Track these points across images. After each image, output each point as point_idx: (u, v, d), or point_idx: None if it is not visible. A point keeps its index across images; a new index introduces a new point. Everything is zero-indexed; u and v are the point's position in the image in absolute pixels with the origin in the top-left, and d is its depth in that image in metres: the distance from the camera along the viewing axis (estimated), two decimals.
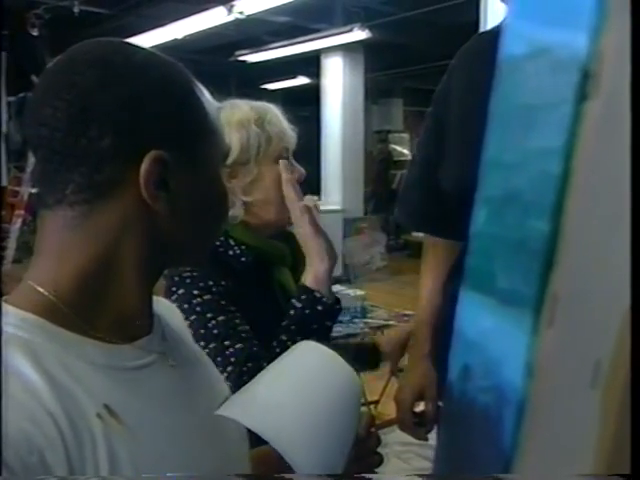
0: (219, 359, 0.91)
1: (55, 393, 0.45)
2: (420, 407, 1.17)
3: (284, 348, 0.88)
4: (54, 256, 0.50)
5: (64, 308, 0.49)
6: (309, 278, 0.92)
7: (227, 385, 0.67)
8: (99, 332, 0.50)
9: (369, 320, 3.04)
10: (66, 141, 0.48)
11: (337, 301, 0.94)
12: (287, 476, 0.60)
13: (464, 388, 0.62)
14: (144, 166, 0.49)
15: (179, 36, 5.33)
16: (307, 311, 0.90)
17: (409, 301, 1.26)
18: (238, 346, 0.91)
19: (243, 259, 1.02)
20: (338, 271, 6.19)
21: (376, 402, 3.77)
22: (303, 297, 0.91)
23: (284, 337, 0.90)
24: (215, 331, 0.93)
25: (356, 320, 3.02)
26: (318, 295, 0.91)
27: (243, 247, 1.02)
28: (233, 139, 1.00)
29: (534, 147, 0.53)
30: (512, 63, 0.56)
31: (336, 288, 3.09)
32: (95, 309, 0.51)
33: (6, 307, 0.48)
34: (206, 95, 0.56)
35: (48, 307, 0.49)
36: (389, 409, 1.17)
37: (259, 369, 0.88)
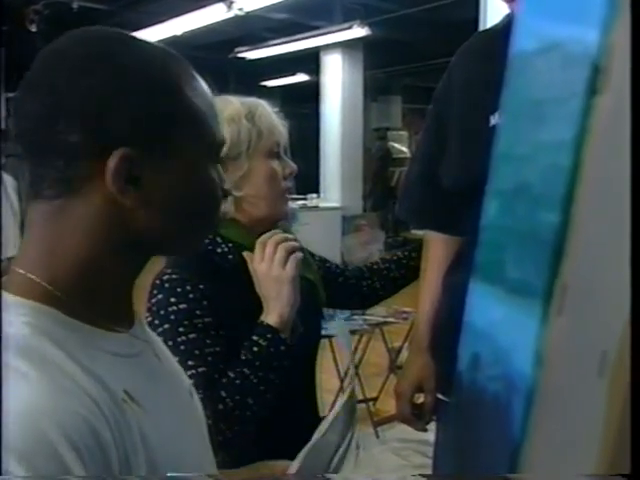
0: None
1: (90, 379, 0.46)
2: (419, 399, 1.19)
3: (245, 381, 0.91)
4: (40, 248, 0.51)
5: (63, 298, 0.50)
6: (274, 318, 0.95)
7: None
8: (100, 320, 0.51)
9: (368, 317, 3.05)
10: (43, 135, 0.49)
11: (294, 343, 0.97)
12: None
13: (474, 377, 0.63)
14: (110, 164, 0.49)
15: (178, 32, 5.32)
16: (271, 349, 0.94)
17: (408, 298, 1.27)
18: (200, 370, 0.93)
19: (230, 257, 1.02)
20: None
21: (375, 399, 3.77)
22: (269, 336, 0.94)
23: (247, 371, 0.93)
24: (182, 347, 0.94)
25: (355, 317, 3.03)
26: (283, 337, 0.95)
27: (230, 245, 1.03)
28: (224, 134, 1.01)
29: (545, 140, 0.54)
30: (523, 58, 0.57)
31: None
32: (89, 299, 0.52)
33: (9, 297, 0.48)
34: (192, 83, 0.54)
35: (50, 297, 0.49)
36: (388, 406, 1.18)
37: (215, 398, 0.90)
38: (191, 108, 0.54)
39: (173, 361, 0.67)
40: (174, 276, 0.98)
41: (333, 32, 5.67)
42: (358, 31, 5.43)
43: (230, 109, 1.02)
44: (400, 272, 1.27)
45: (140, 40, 0.54)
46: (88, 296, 0.52)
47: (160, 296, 0.97)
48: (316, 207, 6.26)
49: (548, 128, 0.53)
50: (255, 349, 0.94)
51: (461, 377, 0.66)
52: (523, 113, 0.57)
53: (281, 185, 1.04)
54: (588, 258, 0.53)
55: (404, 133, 8.68)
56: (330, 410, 0.92)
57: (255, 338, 0.94)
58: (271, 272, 0.96)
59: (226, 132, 1.00)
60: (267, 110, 1.04)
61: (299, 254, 0.98)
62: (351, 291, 1.26)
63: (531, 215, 0.55)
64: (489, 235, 0.62)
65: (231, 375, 0.92)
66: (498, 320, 0.59)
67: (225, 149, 1.00)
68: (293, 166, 1.05)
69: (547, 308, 0.54)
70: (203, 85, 0.56)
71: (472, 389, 0.63)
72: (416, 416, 1.18)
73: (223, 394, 0.91)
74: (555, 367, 0.55)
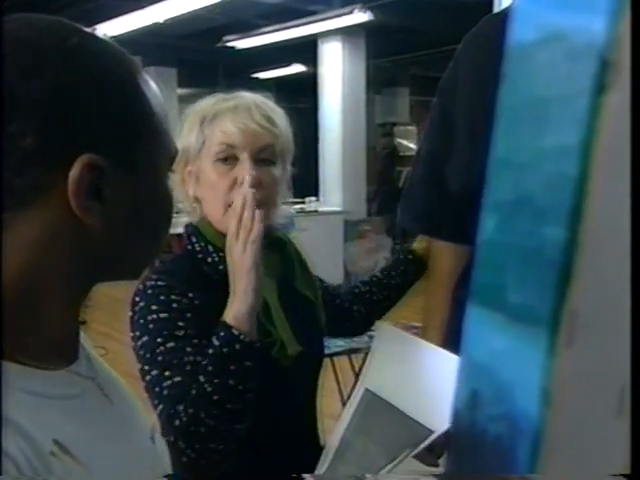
0: (156, 389, 0.92)
1: (8, 432, 0.43)
2: None
3: (199, 391, 0.88)
4: None
5: None
6: (230, 314, 0.93)
7: (149, 417, 0.68)
8: (28, 357, 0.49)
9: (373, 333, 3.03)
10: None
11: (257, 340, 0.94)
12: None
13: (472, 416, 0.62)
14: (74, 172, 0.47)
15: (160, 20, 5.35)
16: (225, 350, 0.91)
17: (418, 312, 1.27)
18: (177, 379, 0.91)
19: (221, 267, 1.03)
20: (339, 279, 6.20)
21: None
22: (221, 334, 0.91)
23: (202, 379, 0.90)
24: (160, 358, 0.93)
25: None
26: (236, 333, 0.91)
27: (222, 254, 1.03)
28: (179, 140, 1.04)
29: (548, 145, 0.53)
30: (522, 51, 0.56)
31: None
32: (23, 331, 0.49)
33: None
34: (153, 90, 0.55)
35: None
36: None
37: (192, 415, 0.87)
38: (155, 113, 0.54)
39: (132, 402, 0.65)
40: (160, 283, 0.99)
41: (332, 18, 5.71)
42: (360, 16, 5.47)
43: (188, 112, 1.07)
44: (383, 294, 1.28)
45: (99, 37, 0.53)
46: (23, 329, 0.49)
47: (142, 304, 0.98)
48: (315, 212, 6.29)
49: (551, 131, 0.52)
50: (210, 351, 0.91)
51: (458, 417, 0.64)
52: (522, 114, 0.55)
53: (226, 194, 1.02)
54: (600, 279, 0.52)
55: (412, 128, 8.69)
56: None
57: (213, 338, 0.92)
58: (237, 262, 0.94)
59: (181, 138, 1.05)
60: (230, 109, 1.03)
61: (255, 240, 0.94)
62: (344, 316, 1.26)
63: (534, 231, 0.54)
64: (487, 253, 0.61)
65: (193, 386, 0.90)
66: (499, 352, 0.58)
67: (185, 157, 1.05)
68: (245, 174, 1.01)
69: (554, 338, 0.52)
70: (157, 90, 0.56)
71: (471, 431, 0.61)
72: (426, 449, 1.17)
73: (180, 407, 0.89)
74: (565, 406, 0.53)
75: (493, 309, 0.59)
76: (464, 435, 0.63)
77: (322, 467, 0.87)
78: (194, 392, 0.89)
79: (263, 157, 1.03)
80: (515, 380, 0.56)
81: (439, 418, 0.74)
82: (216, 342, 0.91)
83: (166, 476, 0.62)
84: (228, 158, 1.02)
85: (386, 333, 0.95)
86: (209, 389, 0.89)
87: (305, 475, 0.73)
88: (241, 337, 0.91)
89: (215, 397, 0.89)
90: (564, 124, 0.50)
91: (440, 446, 1.15)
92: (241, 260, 0.93)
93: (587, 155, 0.49)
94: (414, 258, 1.29)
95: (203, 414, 0.88)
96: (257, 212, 0.94)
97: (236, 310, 0.92)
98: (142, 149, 0.52)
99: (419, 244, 1.29)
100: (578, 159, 0.49)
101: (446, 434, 1.13)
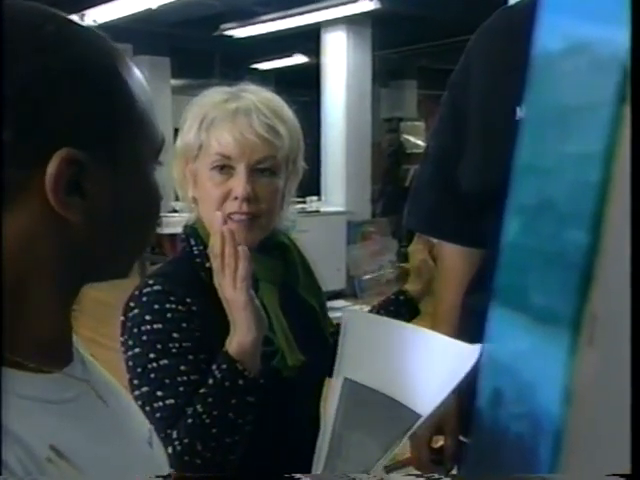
0: (147, 408, 0.94)
1: (4, 439, 0.44)
2: (439, 443, 1.19)
3: (197, 420, 0.90)
4: None
5: None
6: (234, 345, 0.94)
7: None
8: (20, 357, 0.50)
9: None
10: None
11: (260, 376, 0.95)
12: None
13: (495, 415, 0.66)
14: (51, 168, 0.48)
15: (153, 6, 5.36)
16: (227, 384, 0.92)
17: (425, 318, 1.28)
18: (169, 402, 0.93)
19: None
20: (342, 284, 6.21)
21: None
22: (224, 367, 0.92)
23: (200, 408, 0.92)
24: (152, 375, 0.95)
25: None
26: (240, 368, 0.92)
27: None
28: (181, 135, 1.07)
29: (571, 152, 0.58)
30: (547, 60, 0.60)
31: (340, 303, 3.10)
32: (13, 332, 0.50)
33: None
34: (136, 77, 0.55)
35: None
36: (403, 447, 1.20)
37: (188, 444, 0.88)
38: (138, 104, 0.55)
39: (128, 405, 0.67)
40: (155, 287, 1.00)
41: (336, 6, 5.72)
42: (365, 4, 5.49)
43: (194, 109, 1.06)
44: None
45: (77, 23, 0.54)
46: (13, 329, 0.50)
47: (136, 311, 0.99)
48: (317, 212, 6.30)
49: (574, 138, 0.57)
50: (211, 381, 0.93)
51: (481, 415, 0.69)
52: (547, 121, 0.60)
53: (220, 205, 1.03)
54: (620, 281, 0.56)
55: (420, 124, 8.71)
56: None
57: (213, 367, 0.94)
58: (231, 297, 0.94)
59: (181, 135, 1.06)
60: (228, 111, 1.02)
61: (244, 278, 0.94)
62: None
63: (556, 234, 0.58)
64: (511, 256, 0.65)
65: (188, 412, 0.92)
66: (522, 351, 0.63)
67: (179, 152, 1.06)
68: (240, 189, 1.01)
69: (576, 338, 0.57)
70: (142, 78, 0.57)
71: (493, 429, 0.66)
72: (435, 462, 1.18)
73: (174, 435, 0.90)
74: (586, 405, 0.57)
75: (516, 310, 0.63)
76: (486, 433, 0.68)
77: (318, 465, 0.89)
78: (190, 421, 0.91)
79: (262, 168, 1.03)
80: (537, 379, 0.60)
81: (424, 399, 0.77)
82: (217, 374, 0.93)
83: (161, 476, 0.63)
84: (224, 167, 1.02)
85: (353, 318, 0.98)
86: (207, 420, 0.91)
87: (300, 475, 0.76)
88: (245, 373, 0.93)
89: (213, 430, 0.91)
90: (587, 132, 0.55)
91: (450, 459, 1.19)
92: (233, 297, 0.94)
93: (609, 162, 0.53)
94: (405, 299, 1.29)
95: (200, 446, 0.90)
96: (240, 249, 0.94)
97: (239, 342, 0.93)
98: (124, 140, 0.53)
99: (411, 285, 1.30)
100: (600, 166, 0.54)
101: (458, 445, 1.17)
